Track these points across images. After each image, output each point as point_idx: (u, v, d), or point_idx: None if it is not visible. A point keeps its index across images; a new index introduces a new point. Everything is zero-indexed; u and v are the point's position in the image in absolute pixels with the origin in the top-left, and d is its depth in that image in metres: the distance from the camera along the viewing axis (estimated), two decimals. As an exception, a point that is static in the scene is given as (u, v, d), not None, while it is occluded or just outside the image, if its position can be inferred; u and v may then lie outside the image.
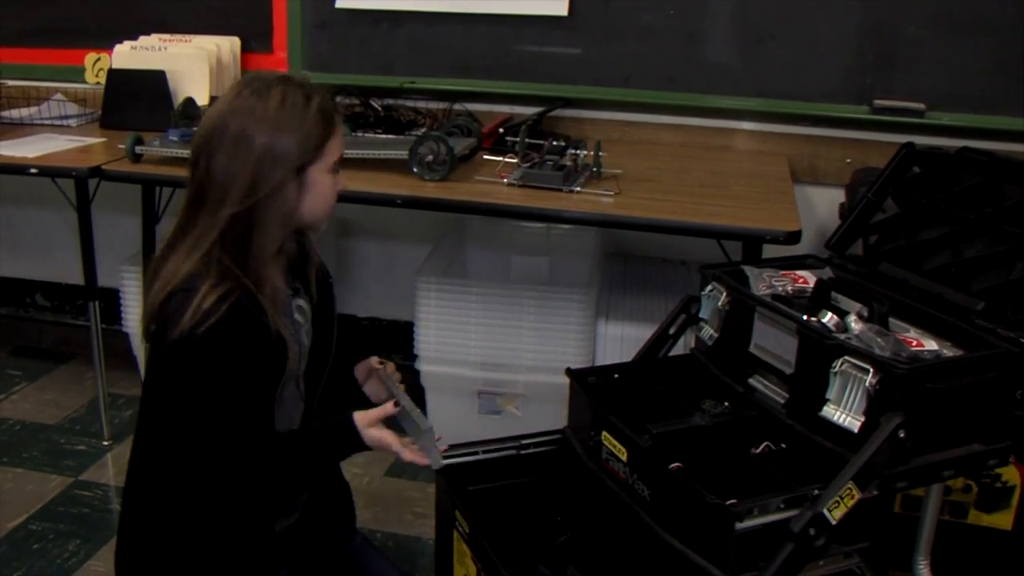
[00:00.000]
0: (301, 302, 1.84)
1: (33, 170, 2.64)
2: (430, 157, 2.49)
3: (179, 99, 2.89)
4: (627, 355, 2.47)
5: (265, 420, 1.70)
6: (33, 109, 3.24)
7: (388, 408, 1.77)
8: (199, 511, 1.73)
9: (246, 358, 1.63)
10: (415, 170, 2.49)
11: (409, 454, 1.74)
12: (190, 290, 1.61)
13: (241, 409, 1.65)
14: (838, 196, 2.77)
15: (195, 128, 1.75)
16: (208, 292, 1.60)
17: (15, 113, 3.22)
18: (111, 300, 3.20)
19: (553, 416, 2.10)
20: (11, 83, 3.40)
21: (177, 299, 1.62)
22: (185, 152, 2.00)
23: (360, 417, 1.75)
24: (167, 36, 3.15)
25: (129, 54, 3.07)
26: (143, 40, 3.13)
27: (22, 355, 3.77)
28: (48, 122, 3.17)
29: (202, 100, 2.94)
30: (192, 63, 3.03)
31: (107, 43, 3.22)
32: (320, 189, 1.72)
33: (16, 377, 3.57)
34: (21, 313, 3.94)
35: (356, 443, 1.75)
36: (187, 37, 3.15)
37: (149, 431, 1.76)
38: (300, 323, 1.81)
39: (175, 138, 2.63)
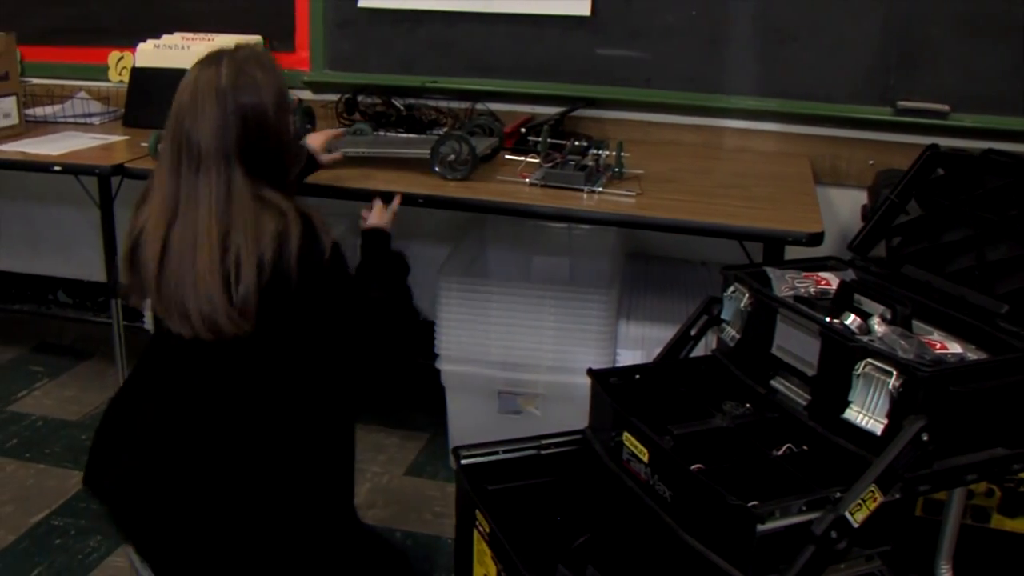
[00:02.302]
0: None
1: (57, 168, 2.66)
2: (452, 156, 2.49)
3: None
4: (647, 356, 2.47)
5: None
6: (57, 107, 3.26)
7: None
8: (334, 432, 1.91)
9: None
10: (437, 169, 2.49)
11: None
12: (313, 232, 1.77)
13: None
14: (860, 198, 2.76)
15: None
16: (321, 223, 1.80)
17: (39, 111, 3.24)
18: (133, 298, 3.21)
19: (573, 416, 2.10)
20: (35, 81, 3.42)
21: (308, 244, 1.75)
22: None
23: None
24: (190, 35, 3.17)
25: (152, 53, 3.08)
26: (166, 39, 3.14)
27: (44, 352, 3.80)
28: (72, 120, 3.19)
29: (225, 99, 2.95)
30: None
31: (130, 42, 3.23)
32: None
33: (38, 373, 3.59)
34: (43, 310, 3.96)
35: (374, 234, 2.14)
36: (210, 36, 3.16)
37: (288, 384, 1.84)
38: None
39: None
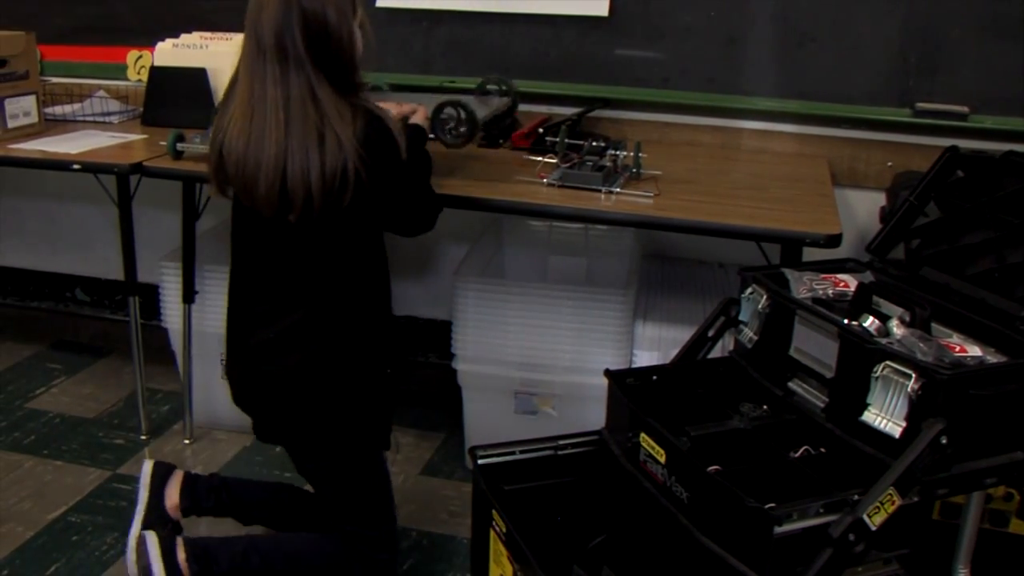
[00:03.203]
0: None
1: (76, 166, 2.67)
2: (451, 124, 2.44)
3: (220, 96, 2.90)
4: (664, 357, 2.46)
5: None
6: (76, 106, 3.27)
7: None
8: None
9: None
10: (436, 135, 2.44)
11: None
12: (379, 118, 1.97)
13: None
14: (878, 199, 2.75)
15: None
16: (383, 111, 2.00)
17: (58, 110, 3.25)
18: (150, 295, 3.22)
19: (589, 417, 2.10)
20: (55, 80, 3.43)
21: (376, 128, 1.96)
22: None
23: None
24: (208, 34, 3.17)
25: (171, 52, 3.09)
26: (184, 38, 3.15)
27: (61, 349, 3.81)
28: (91, 119, 3.20)
29: (243, 98, 2.96)
30: (233, 61, 3.04)
31: (149, 41, 3.24)
32: (367, 28, 2.08)
33: (56, 371, 3.61)
34: (61, 307, 3.98)
35: (419, 130, 2.28)
36: (228, 35, 3.16)
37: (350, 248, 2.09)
38: None
39: (216, 135, 2.64)
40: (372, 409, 2.15)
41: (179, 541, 2.16)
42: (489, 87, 2.81)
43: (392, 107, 2.23)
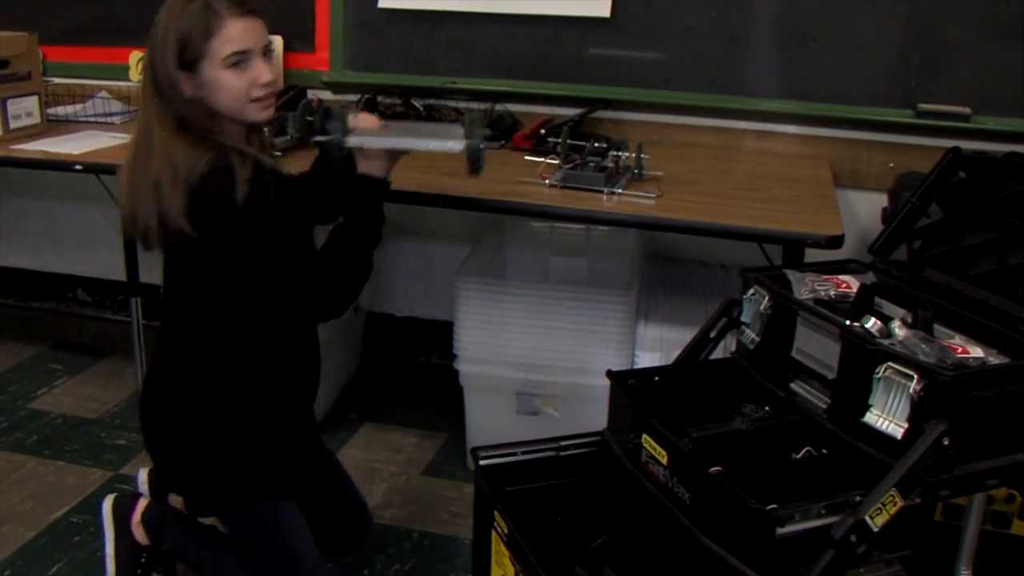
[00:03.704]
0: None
1: (78, 167, 2.67)
2: None
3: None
4: (666, 358, 2.46)
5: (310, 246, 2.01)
6: (78, 106, 3.28)
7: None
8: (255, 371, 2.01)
9: (284, 204, 1.86)
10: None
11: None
12: (226, 168, 1.80)
13: (299, 243, 1.93)
14: (880, 200, 2.75)
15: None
16: (241, 164, 1.81)
17: (60, 110, 3.26)
18: (152, 296, 3.22)
19: (591, 418, 2.09)
20: (57, 81, 3.44)
21: (216, 178, 1.79)
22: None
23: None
24: (211, 35, 3.17)
25: (173, 53, 3.09)
26: (187, 39, 3.15)
27: (63, 349, 3.81)
28: (92, 119, 3.20)
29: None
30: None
31: (151, 42, 3.24)
32: (221, 83, 1.86)
33: (57, 371, 3.61)
34: (63, 308, 3.99)
35: (368, 181, 1.98)
36: (230, 36, 3.17)
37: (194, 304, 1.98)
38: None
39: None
40: (244, 463, 2.04)
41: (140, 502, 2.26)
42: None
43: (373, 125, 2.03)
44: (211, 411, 2.00)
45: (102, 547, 2.28)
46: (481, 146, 1.94)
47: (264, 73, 1.89)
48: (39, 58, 3.03)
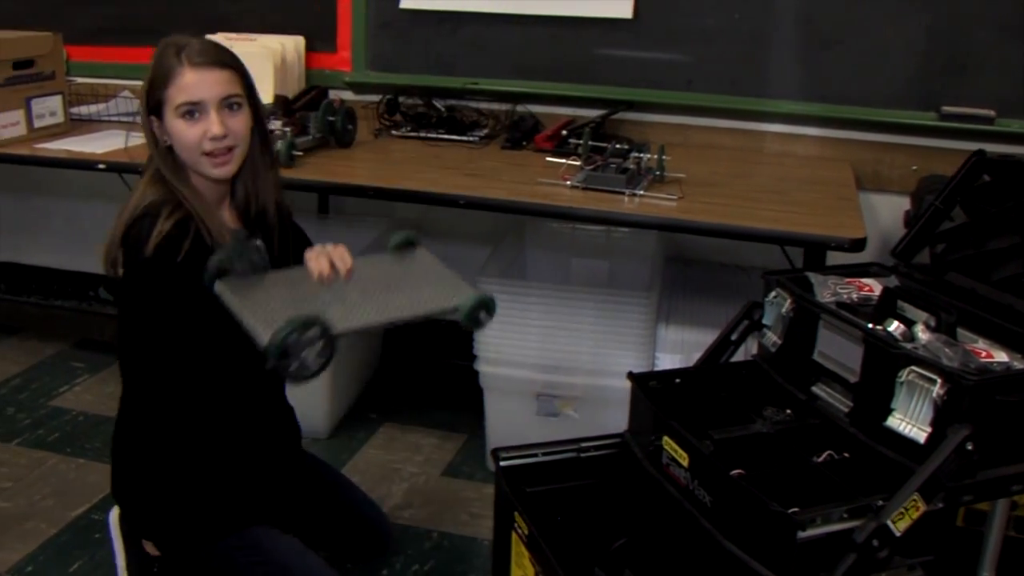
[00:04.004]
0: (258, 243, 1.96)
1: (101, 166, 2.69)
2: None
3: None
4: (687, 360, 2.46)
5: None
6: (101, 106, 3.29)
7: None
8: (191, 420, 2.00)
9: (190, 271, 1.76)
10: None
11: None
12: (152, 216, 1.81)
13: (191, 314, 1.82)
14: (902, 204, 2.73)
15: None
16: (168, 216, 1.81)
17: (83, 110, 3.27)
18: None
19: (611, 420, 2.09)
20: (80, 80, 3.45)
21: (137, 224, 1.81)
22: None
23: None
24: (232, 35, 3.18)
25: (195, 53, 3.10)
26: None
27: (85, 348, 3.83)
28: (115, 119, 3.22)
29: (267, 99, 2.96)
30: (257, 62, 3.05)
31: (174, 42, 3.26)
32: (175, 132, 1.88)
33: (79, 369, 3.62)
34: (84, 306, 4.00)
35: None
36: (252, 36, 3.18)
37: (128, 350, 2.04)
38: (256, 262, 1.81)
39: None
40: (202, 499, 2.02)
41: None
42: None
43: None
44: (164, 454, 2.02)
45: (112, 560, 2.27)
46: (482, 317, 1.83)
47: (215, 126, 1.86)
48: (63, 58, 3.05)
